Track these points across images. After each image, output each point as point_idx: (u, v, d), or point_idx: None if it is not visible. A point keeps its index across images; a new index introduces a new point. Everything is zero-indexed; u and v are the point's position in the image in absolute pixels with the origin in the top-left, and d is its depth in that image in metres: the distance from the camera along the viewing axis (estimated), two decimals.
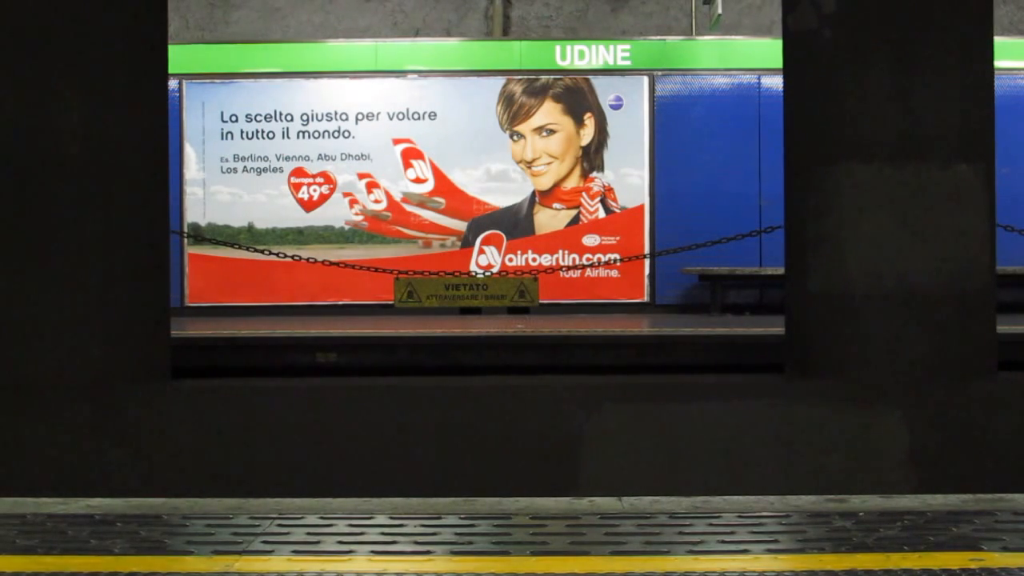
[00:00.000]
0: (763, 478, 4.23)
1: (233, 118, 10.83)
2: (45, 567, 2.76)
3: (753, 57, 10.80)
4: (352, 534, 3.07)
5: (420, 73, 10.86)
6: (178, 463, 4.31)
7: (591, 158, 10.85)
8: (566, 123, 10.84)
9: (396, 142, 10.86)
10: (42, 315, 4.34)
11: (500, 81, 10.84)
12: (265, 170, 10.84)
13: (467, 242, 10.87)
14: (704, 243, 7.68)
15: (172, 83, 9.09)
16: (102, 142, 4.40)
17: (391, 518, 3.25)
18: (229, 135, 10.83)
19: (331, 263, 8.22)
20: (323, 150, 10.84)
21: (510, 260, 10.85)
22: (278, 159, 10.84)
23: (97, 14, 4.42)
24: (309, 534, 3.07)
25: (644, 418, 4.41)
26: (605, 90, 10.84)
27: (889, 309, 4.38)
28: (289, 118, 10.84)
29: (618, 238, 10.83)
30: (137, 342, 4.44)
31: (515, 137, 10.85)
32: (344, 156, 10.85)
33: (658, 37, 11.36)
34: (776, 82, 9.48)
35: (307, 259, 7.70)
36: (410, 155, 10.85)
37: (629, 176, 10.87)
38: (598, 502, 3.52)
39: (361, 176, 10.86)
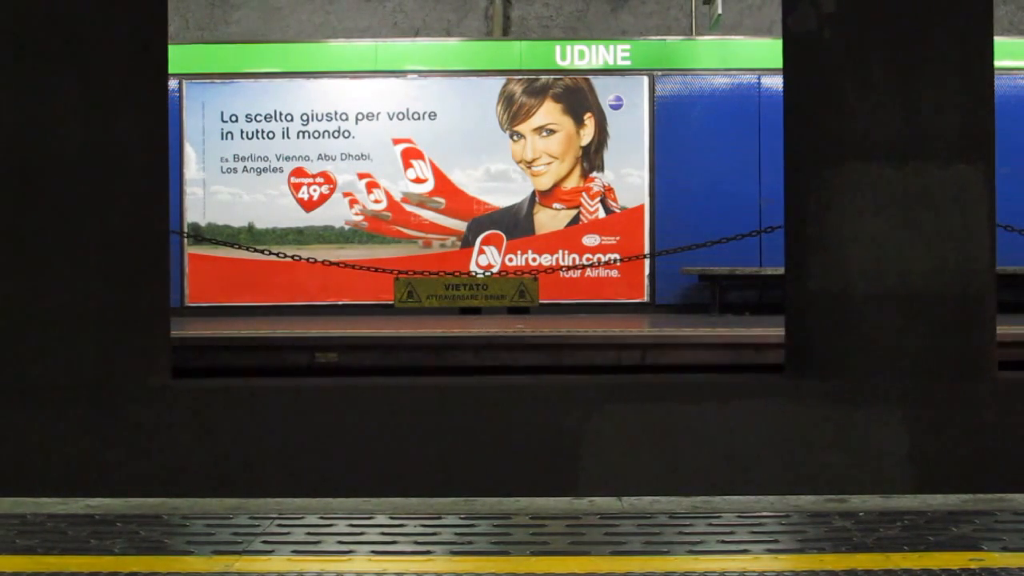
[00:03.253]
0: (763, 478, 4.23)
1: (233, 118, 10.83)
2: (45, 567, 2.76)
3: (753, 57, 10.80)
4: (352, 534, 3.07)
5: (420, 73, 10.87)
6: (178, 463, 4.30)
7: (591, 158, 10.85)
8: (566, 123, 10.84)
9: (396, 142, 10.86)
10: (42, 315, 4.34)
11: (500, 81, 10.84)
12: (265, 170, 10.84)
13: (467, 242, 10.87)
14: (704, 243, 7.67)
15: (172, 83, 9.10)
16: (102, 142, 4.40)
17: (391, 518, 3.25)
18: (229, 135, 10.83)
19: (331, 263, 8.22)
20: (323, 150, 10.84)
21: (510, 260, 10.85)
22: (278, 159, 10.84)
23: (97, 14, 4.42)
24: (309, 534, 3.07)
25: (644, 418, 4.40)
26: (605, 90, 10.84)
27: (889, 309, 4.37)
28: (289, 118, 10.84)
29: (618, 238, 10.83)
30: (137, 342, 4.44)
31: (515, 137, 10.85)
32: (344, 156, 10.85)
33: (658, 37, 11.37)
34: (776, 82, 9.48)
35: (307, 259, 7.70)
36: (410, 155, 10.85)
37: (629, 176, 10.87)
38: (598, 502, 3.52)
39: (361, 176, 10.86)
